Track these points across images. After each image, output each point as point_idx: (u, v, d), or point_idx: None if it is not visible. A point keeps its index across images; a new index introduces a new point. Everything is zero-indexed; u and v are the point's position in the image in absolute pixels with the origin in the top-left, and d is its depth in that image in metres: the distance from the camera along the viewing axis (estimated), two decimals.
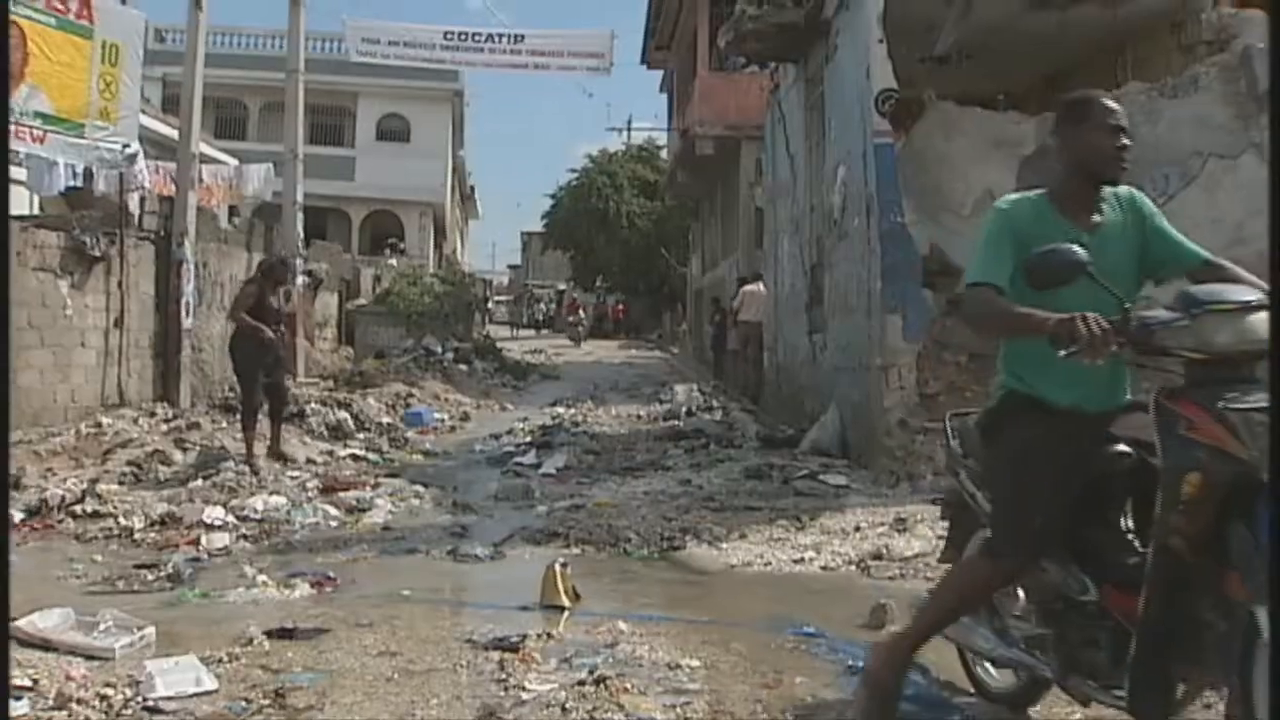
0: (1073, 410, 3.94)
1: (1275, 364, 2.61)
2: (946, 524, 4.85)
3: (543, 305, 60.44)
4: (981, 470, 4.32)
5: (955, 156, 11.26)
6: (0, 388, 2.50)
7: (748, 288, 20.48)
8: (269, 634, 5.60)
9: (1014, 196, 4.15)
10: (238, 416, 11.98)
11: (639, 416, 17.11)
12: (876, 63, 11.22)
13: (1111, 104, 4.06)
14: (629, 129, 48.24)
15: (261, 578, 6.96)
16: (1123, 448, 3.84)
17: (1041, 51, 13.67)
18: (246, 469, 10.76)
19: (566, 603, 6.39)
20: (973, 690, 4.77)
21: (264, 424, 11.62)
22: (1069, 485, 3.86)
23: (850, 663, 5.26)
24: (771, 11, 14.20)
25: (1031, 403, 4.02)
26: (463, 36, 24.25)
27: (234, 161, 24.92)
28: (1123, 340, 3.61)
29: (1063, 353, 3.58)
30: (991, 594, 4.22)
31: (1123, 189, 4.13)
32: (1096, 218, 4.10)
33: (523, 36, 24.50)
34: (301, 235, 20.42)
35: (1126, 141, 3.98)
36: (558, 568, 6.60)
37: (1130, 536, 3.92)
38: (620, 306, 50.65)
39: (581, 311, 45.02)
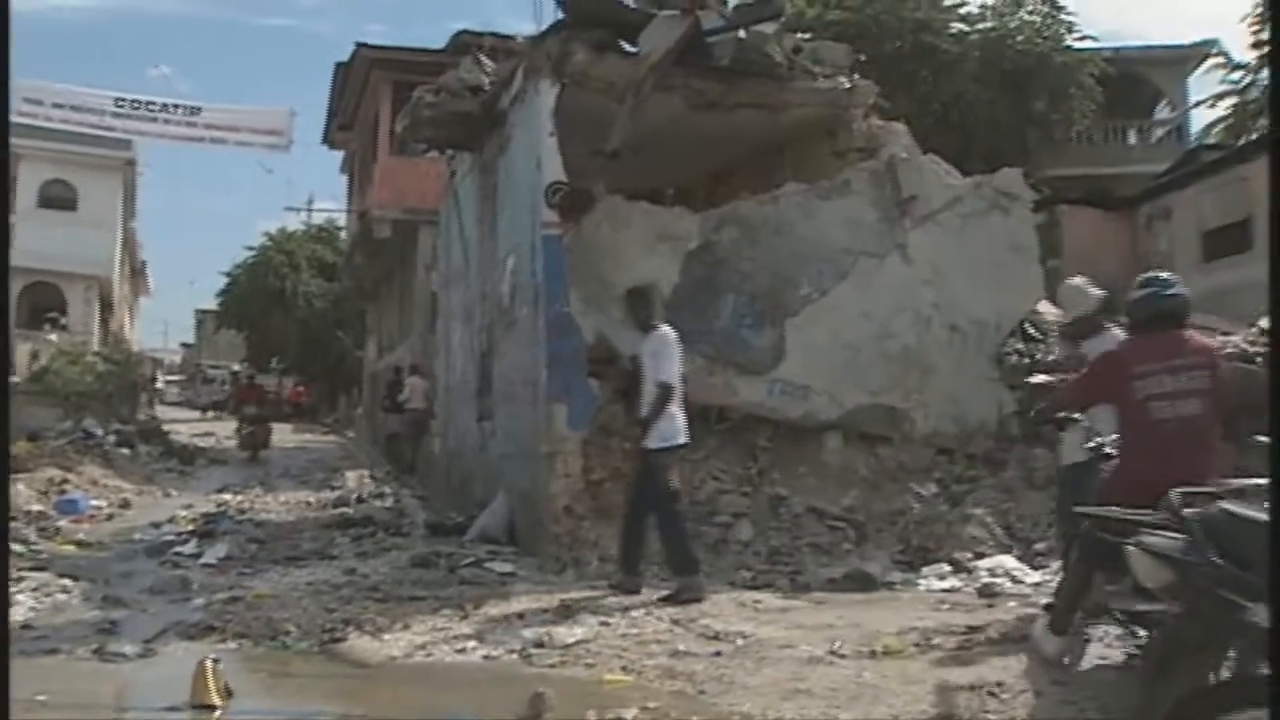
0: None
1: (1275, 372, 2.55)
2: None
3: (216, 386, 58.58)
4: None
5: (622, 249, 11.57)
6: (0, 393, 2.34)
7: (411, 379, 21.87)
8: None
9: None
10: None
11: (309, 503, 16.79)
12: (547, 155, 11.46)
13: None
14: (310, 209, 47.65)
15: None
16: None
17: (708, 150, 14.30)
18: None
19: (218, 701, 6.19)
20: None
21: None
22: None
23: None
24: (448, 100, 14.30)
25: None
26: (135, 104, 23.55)
27: None
28: None
29: None
30: None
31: None
32: None
33: (199, 109, 23.96)
34: None
35: None
36: (209, 664, 6.38)
37: None
38: (299, 389, 49.56)
39: (263, 403, 29.39)
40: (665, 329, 9.27)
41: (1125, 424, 6.22)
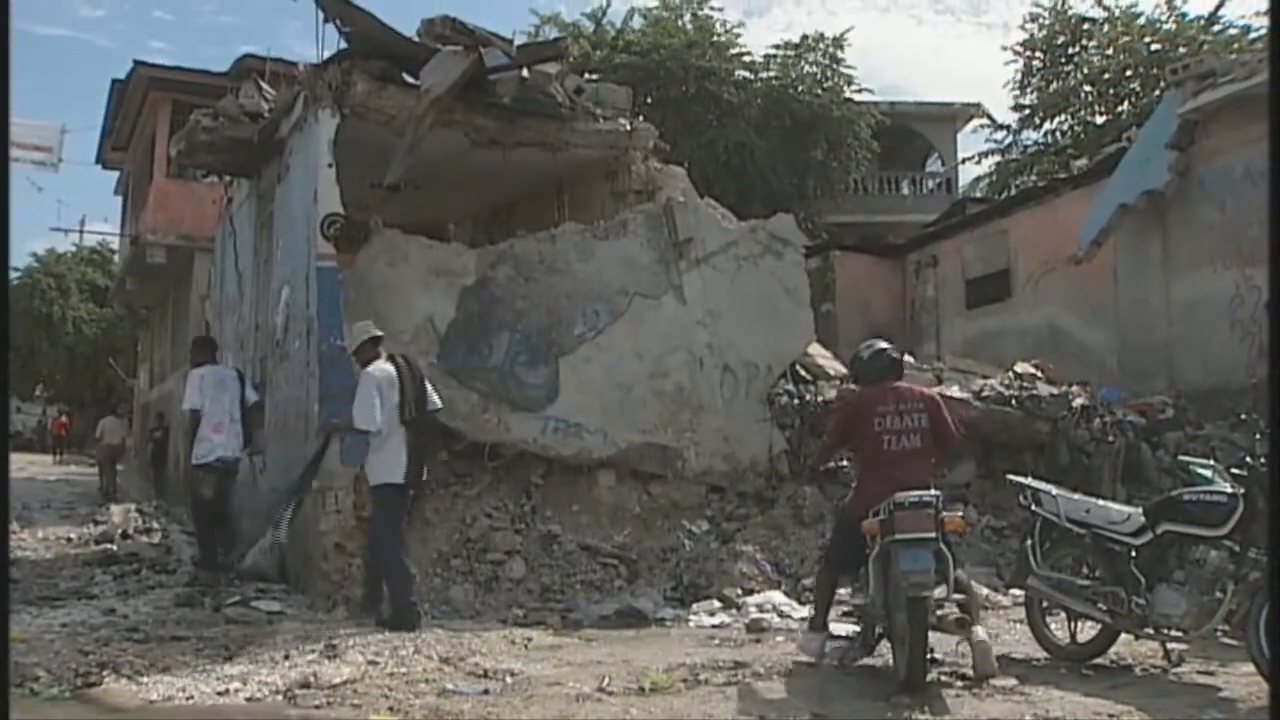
0: None
1: (1275, 365, 2.66)
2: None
3: None
4: None
5: (398, 283, 11.49)
6: (0, 393, 2.14)
7: (105, 420, 24.41)
8: None
9: None
10: None
11: (70, 539, 16.08)
12: (325, 186, 11.31)
13: None
14: (82, 230, 45.97)
15: None
16: None
17: (488, 186, 14.32)
18: None
19: None
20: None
21: None
22: None
23: None
24: (226, 125, 13.95)
25: None
26: None
27: None
28: None
29: None
30: None
31: None
32: None
33: None
34: None
35: None
36: None
37: None
38: (62, 420, 47.50)
39: None
40: (202, 369, 12.47)
41: (862, 452, 7.90)
